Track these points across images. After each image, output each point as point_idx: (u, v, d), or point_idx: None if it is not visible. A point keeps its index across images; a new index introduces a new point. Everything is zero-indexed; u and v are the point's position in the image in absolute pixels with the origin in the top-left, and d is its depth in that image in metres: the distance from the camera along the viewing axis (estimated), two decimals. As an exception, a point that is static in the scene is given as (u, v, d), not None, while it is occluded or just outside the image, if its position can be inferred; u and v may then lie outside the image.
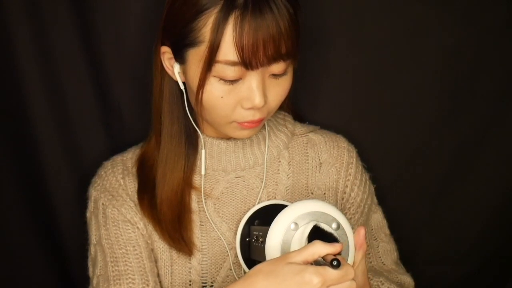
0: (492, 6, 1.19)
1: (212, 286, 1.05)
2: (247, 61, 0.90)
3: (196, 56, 0.93)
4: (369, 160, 1.18)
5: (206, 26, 0.90)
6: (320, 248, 0.81)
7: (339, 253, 0.82)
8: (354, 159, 1.13)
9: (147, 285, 1.02)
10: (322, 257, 0.81)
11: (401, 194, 1.30)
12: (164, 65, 1.01)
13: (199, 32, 0.91)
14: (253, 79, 0.92)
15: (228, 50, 0.90)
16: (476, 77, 1.24)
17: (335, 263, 0.78)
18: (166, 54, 0.99)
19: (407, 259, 1.19)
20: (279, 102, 0.99)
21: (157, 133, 1.05)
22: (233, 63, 0.90)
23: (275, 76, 0.95)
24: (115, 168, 1.08)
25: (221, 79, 0.92)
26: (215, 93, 0.94)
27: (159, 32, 1.00)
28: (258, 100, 0.93)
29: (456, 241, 1.34)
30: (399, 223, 1.22)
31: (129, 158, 1.10)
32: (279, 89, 0.97)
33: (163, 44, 0.99)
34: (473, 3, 1.19)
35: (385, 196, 1.22)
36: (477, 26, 1.20)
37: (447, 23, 1.20)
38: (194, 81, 0.95)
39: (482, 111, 1.26)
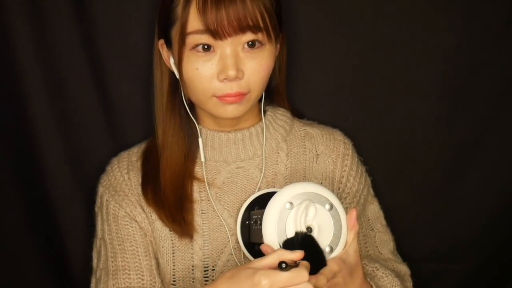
0: (492, 6, 1.20)
1: (213, 269, 1.07)
2: (213, 30, 0.94)
3: (175, 35, 0.99)
4: (367, 159, 1.19)
5: (179, 4, 0.97)
6: (281, 254, 0.86)
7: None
8: (350, 151, 1.15)
9: (142, 279, 1.06)
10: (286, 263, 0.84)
11: (400, 193, 1.31)
12: (164, 58, 1.06)
13: (174, 11, 0.98)
14: (224, 50, 0.97)
15: (195, 21, 0.95)
16: (476, 77, 1.24)
17: (283, 265, 0.82)
18: (164, 46, 1.04)
19: (405, 258, 1.19)
20: (260, 79, 1.01)
21: (159, 124, 1.08)
22: (201, 32, 0.95)
23: (250, 48, 0.98)
24: (121, 163, 1.12)
25: (195, 50, 0.97)
26: (191, 65, 0.98)
27: (156, 26, 1.05)
28: (230, 68, 0.96)
29: (455, 240, 1.34)
30: (398, 222, 1.23)
31: (134, 152, 1.13)
32: (255, 64, 0.99)
33: (160, 38, 1.04)
34: (473, 3, 1.20)
35: (383, 195, 1.22)
36: (477, 26, 1.21)
37: (447, 23, 1.21)
38: (176, 60, 1.00)
39: (481, 111, 1.27)
